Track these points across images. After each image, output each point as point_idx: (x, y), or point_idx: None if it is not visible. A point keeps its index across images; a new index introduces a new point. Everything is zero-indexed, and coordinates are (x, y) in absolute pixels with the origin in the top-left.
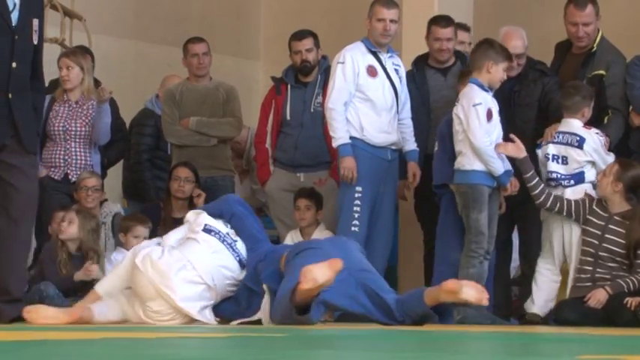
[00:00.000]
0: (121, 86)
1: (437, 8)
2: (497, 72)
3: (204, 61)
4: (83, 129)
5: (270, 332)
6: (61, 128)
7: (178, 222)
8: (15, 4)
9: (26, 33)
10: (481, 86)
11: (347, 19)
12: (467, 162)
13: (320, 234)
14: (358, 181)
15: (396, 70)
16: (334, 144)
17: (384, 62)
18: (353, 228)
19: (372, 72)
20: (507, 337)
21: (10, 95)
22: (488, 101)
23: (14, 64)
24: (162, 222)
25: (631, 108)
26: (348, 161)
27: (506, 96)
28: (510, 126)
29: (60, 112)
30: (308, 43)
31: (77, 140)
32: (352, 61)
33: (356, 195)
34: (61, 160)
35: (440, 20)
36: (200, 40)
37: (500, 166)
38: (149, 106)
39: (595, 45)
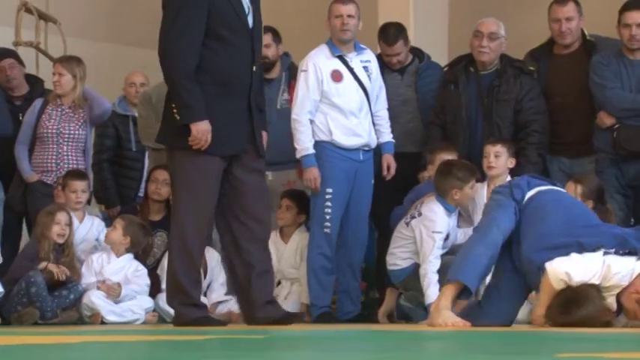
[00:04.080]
0: (97, 89)
1: (412, 7)
2: (463, 195)
3: None
4: (76, 132)
5: (250, 334)
6: (54, 131)
7: (155, 225)
8: (249, 8)
9: (259, 37)
10: (446, 208)
11: (323, 19)
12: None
13: (300, 236)
14: (329, 183)
15: (365, 67)
16: (297, 155)
17: (350, 63)
18: (325, 229)
19: (336, 77)
20: (486, 336)
21: (251, 99)
22: (448, 227)
23: (254, 68)
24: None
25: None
26: (310, 172)
27: (485, 90)
28: (487, 121)
29: (53, 115)
30: (266, 39)
31: (70, 144)
32: (315, 69)
33: (327, 197)
34: (53, 164)
35: (387, 35)
36: None
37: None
38: (112, 107)
39: (588, 37)
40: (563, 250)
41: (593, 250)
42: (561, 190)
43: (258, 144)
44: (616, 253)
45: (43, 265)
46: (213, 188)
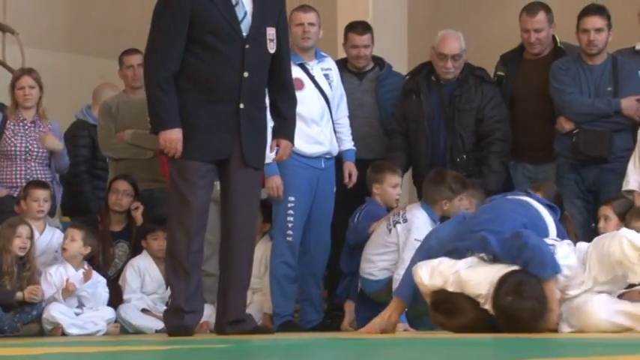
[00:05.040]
0: (56, 99)
1: (371, 15)
2: (452, 206)
3: (139, 73)
4: (43, 149)
5: (211, 344)
6: (22, 148)
7: (116, 235)
8: (246, 13)
9: (259, 42)
10: (431, 217)
11: None
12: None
13: (264, 245)
14: (291, 192)
15: (326, 75)
16: None
17: (311, 71)
18: (287, 238)
19: (297, 85)
20: (446, 343)
21: (241, 105)
22: None
23: (246, 74)
24: (100, 235)
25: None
26: (273, 181)
27: (447, 99)
28: (449, 131)
29: (17, 131)
30: None
31: (38, 160)
32: None
33: (289, 205)
34: (23, 180)
35: (357, 27)
36: (135, 52)
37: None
38: (80, 117)
39: (559, 44)
40: (449, 255)
41: (464, 254)
42: (509, 198)
43: (245, 153)
44: (487, 257)
45: (19, 295)
46: (198, 194)
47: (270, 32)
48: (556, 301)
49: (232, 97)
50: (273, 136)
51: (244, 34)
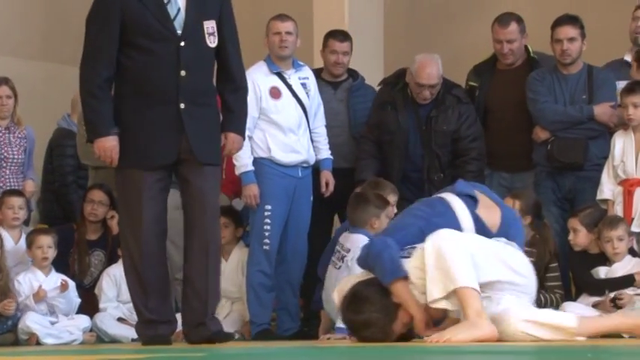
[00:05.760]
0: (32, 108)
1: (347, 24)
2: (381, 224)
3: None
4: (19, 156)
5: (188, 352)
6: None
7: (92, 244)
8: (179, 9)
9: (196, 38)
10: (369, 237)
11: (262, 36)
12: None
13: (240, 251)
14: (267, 200)
15: (303, 84)
16: (237, 172)
17: (288, 80)
18: (264, 246)
19: (275, 94)
20: (425, 352)
21: (182, 105)
22: None
23: (183, 73)
24: (75, 244)
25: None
26: (250, 189)
27: (423, 119)
28: (426, 150)
29: None
30: None
31: (12, 167)
32: (254, 86)
33: (265, 213)
34: None
35: (337, 34)
36: None
37: None
38: (64, 126)
39: (532, 54)
40: None
41: None
42: (425, 199)
43: (196, 151)
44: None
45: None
46: (146, 203)
47: (209, 25)
48: (414, 307)
49: (171, 98)
50: (222, 130)
51: (179, 31)
